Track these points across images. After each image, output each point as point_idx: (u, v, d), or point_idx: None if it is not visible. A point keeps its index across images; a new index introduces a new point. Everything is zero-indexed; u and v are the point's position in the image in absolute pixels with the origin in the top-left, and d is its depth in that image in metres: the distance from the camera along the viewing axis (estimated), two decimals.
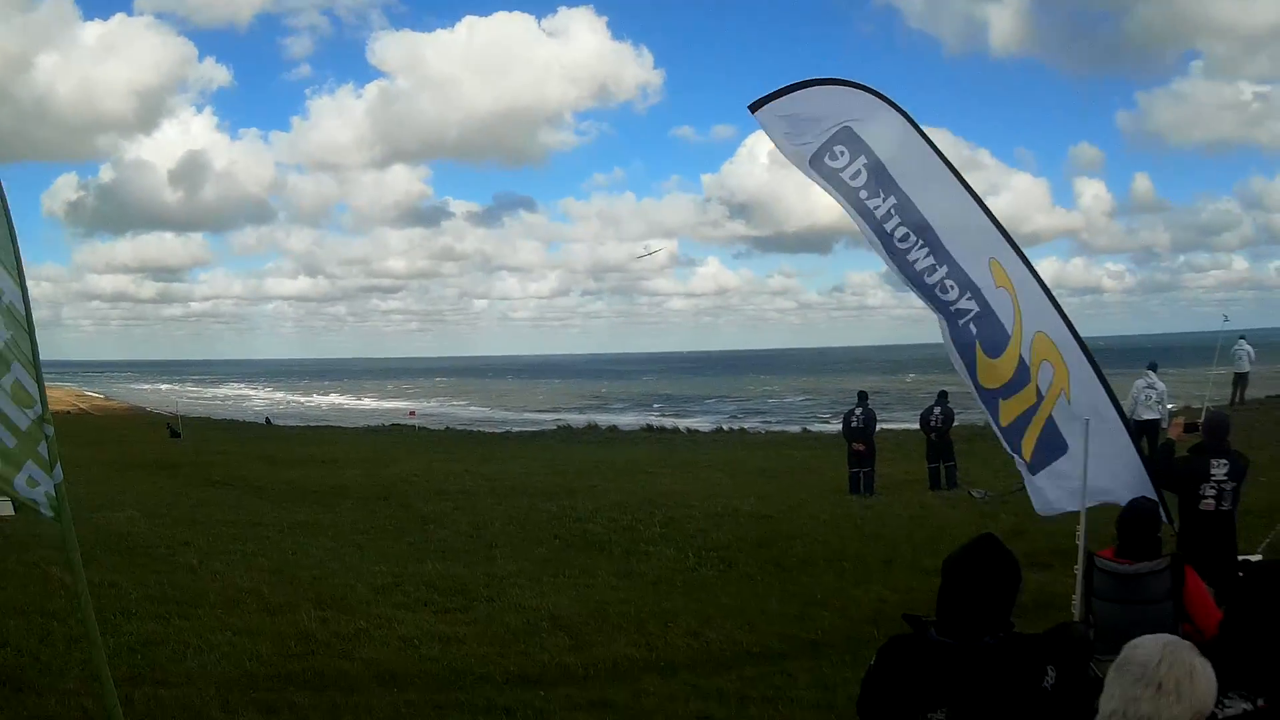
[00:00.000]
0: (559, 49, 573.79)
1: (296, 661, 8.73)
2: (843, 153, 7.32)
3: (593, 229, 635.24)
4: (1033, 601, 9.40)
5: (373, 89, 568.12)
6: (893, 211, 7.33)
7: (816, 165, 7.42)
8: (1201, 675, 2.60)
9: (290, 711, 7.43)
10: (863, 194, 7.35)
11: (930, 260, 7.32)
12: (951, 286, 7.30)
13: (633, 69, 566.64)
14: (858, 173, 7.33)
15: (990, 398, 7.37)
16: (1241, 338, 30.08)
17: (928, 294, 7.40)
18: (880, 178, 7.31)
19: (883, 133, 7.30)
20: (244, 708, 7.44)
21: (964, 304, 7.28)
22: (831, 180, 7.41)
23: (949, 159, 7.30)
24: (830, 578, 12.07)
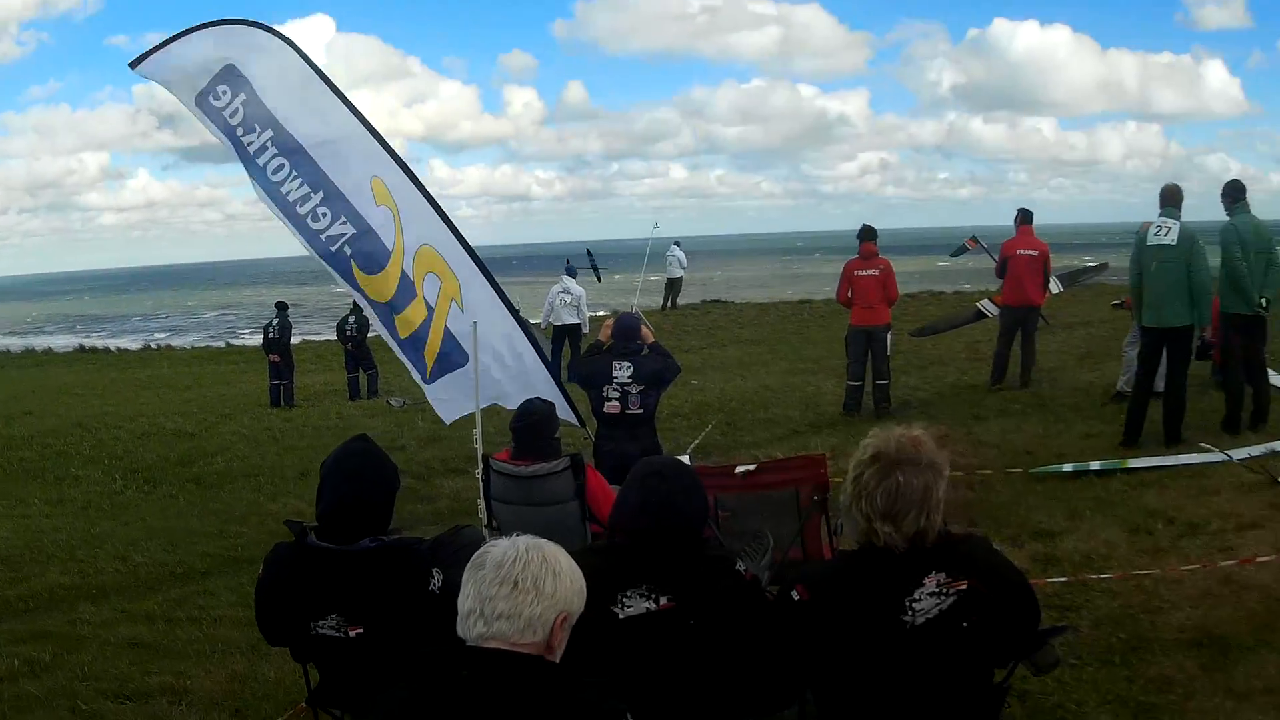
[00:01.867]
0: None
1: None
2: (225, 92, 7.18)
3: (29, 143, 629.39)
4: (449, 508, 10.05)
5: None
6: (269, 144, 7.23)
7: (202, 105, 7.25)
8: (565, 574, 2.55)
9: None
10: (239, 131, 7.23)
11: (304, 189, 7.27)
12: (324, 214, 7.27)
13: None
14: (235, 110, 7.19)
15: (384, 311, 7.43)
16: (676, 243, 30.94)
17: (298, 222, 7.38)
18: (258, 113, 7.20)
19: (265, 67, 7.20)
20: None
21: (336, 229, 7.28)
22: (215, 119, 7.25)
23: (336, 85, 7.26)
24: (248, 492, 12.17)
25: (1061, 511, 7.90)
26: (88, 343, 44.11)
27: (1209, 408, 10.60)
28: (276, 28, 7.25)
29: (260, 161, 7.27)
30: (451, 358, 7.26)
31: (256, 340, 29.86)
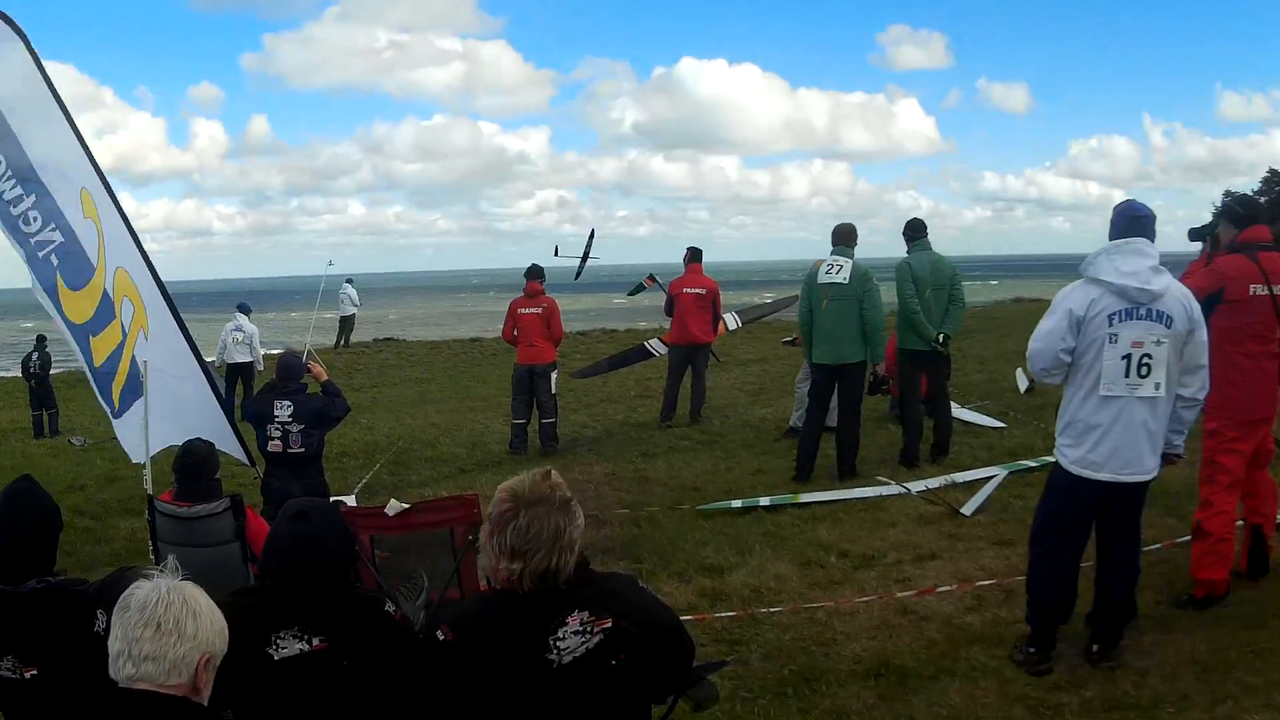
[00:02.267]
0: None
1: None
2: None
3: None
4: (125, 549, 9.52)
5: None
6: None
7: None
8: (205, 615, 2.63)
9: None
10: None
11: (18, 191, 7.19)
12: (35, 218, 7.20)
13: None
14: None
15: (81, 334, 7.39)
16: (348, 281, 31.01)
17: (11, 226, 7.28)
18: None
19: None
20: None
21: (47, 235, 7.22)
22: None
23: (55, 87, 7.14)
24: None
25: (730, 547, 7.78)
26: None
27: (887, 441, 10.80)
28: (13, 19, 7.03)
29: None
30: (134, 388, 7.16)
31: None
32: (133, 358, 7.19)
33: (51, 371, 21.23)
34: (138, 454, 7.38)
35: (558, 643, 2.85)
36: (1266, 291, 5.80)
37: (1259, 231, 5.96)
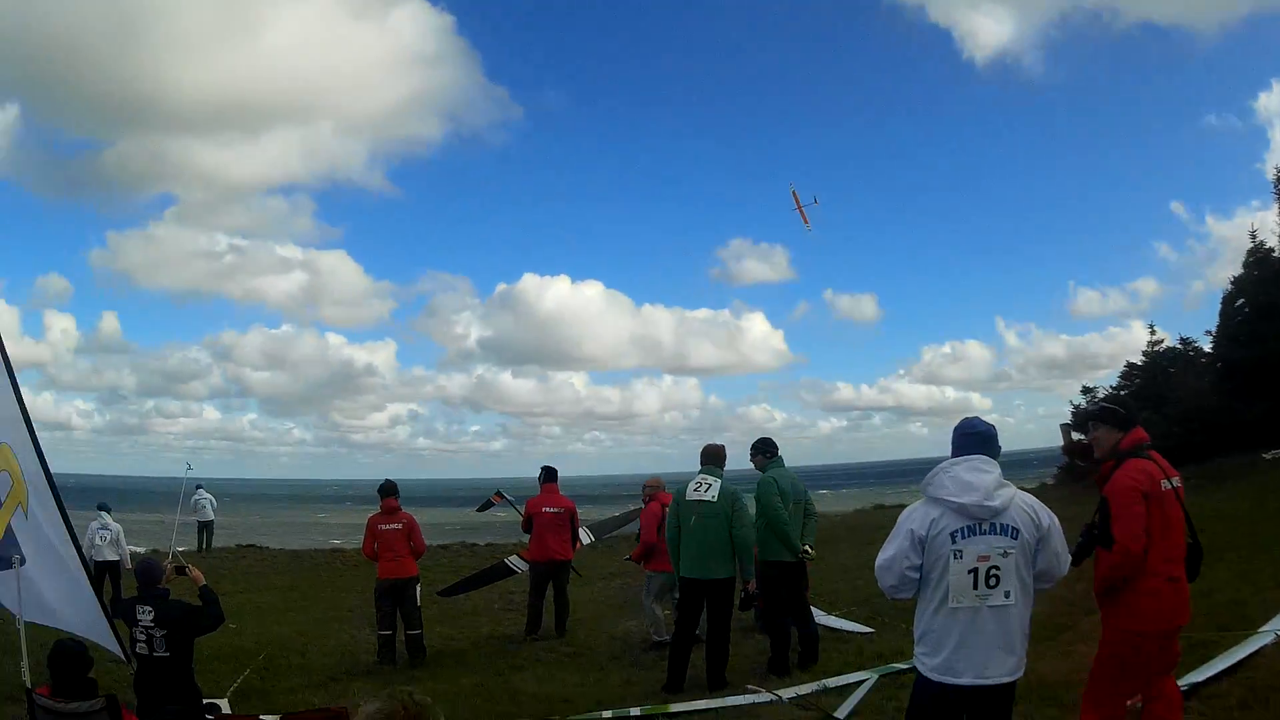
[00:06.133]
0: None
1: None
2: None
3: None
4: None
5: None
6: None
7: None
8: None
9: None
10: None
11: None
12: None
13: None
14: None
15: None
16: (199, 486, 31.07)
17: None
18: None
19: None
20: None
21: None
22: None
23: None
24: None
25: None
26: None
27: (755, 651, 11.04)
28: None
29: None
30: (8, 557, 7.21)
31: None
32: (9, 528, 7.26)
33: None
34: (12, 605, 7.43)
35: None
36: (1170, 486, 6.00)
37: (1141, 434, 6.17)
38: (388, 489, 13.41)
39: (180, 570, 9.53)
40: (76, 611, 7.48)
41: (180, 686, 8.14)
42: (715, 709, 8.97)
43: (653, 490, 13.00)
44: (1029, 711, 6.29)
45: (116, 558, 18.91)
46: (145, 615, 8.09)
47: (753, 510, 10.39)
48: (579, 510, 14.92)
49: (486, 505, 19.00)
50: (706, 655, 10.11)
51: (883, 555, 5.27)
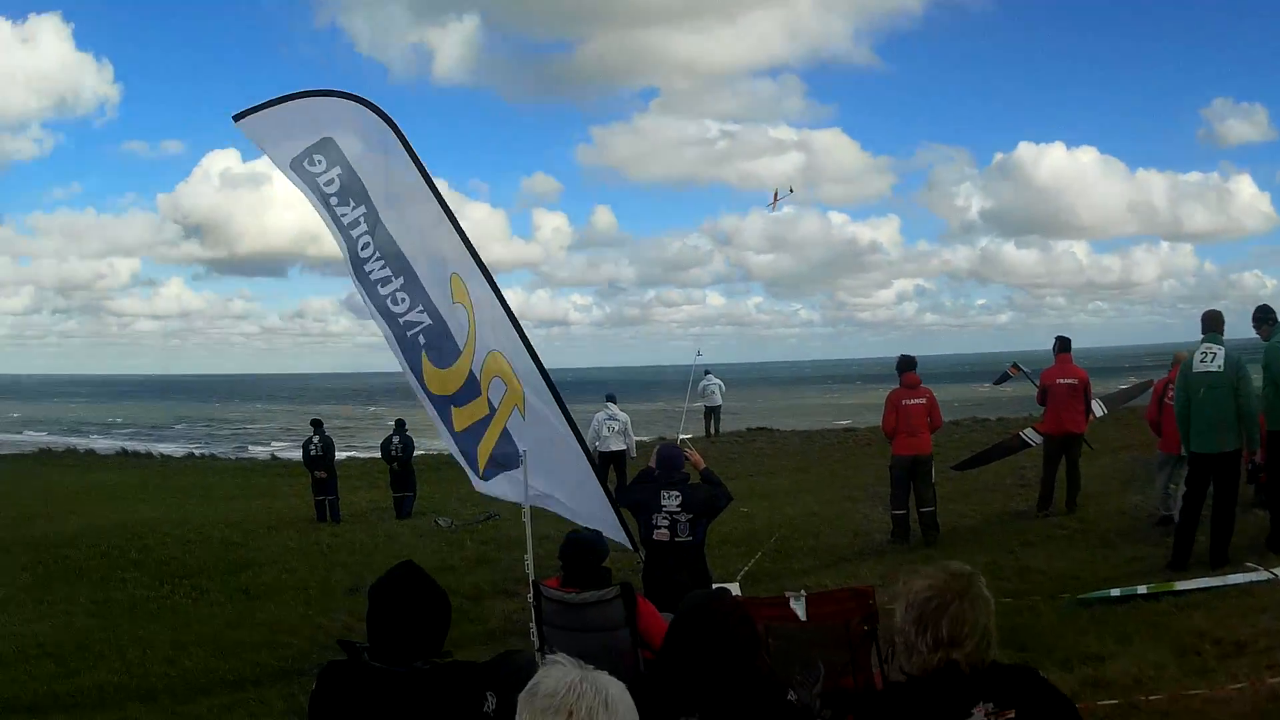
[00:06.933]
0: (23, 55, 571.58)
1: None
2: (320, 160, 7.37)
3: (55, 244, 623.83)
4: (500, 629, 10.04)
5: None
6: (360, 220, 7.44)
7: (297, 169, 7.45)
8: (619, 702, 2.53)
9: None
10: (334, 200, 7.43)
11: (386, 272, 7.45)
12: (403, 299, 7.43)
13: (93, 80, 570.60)
14: (331, 180, 7.40)
15: (442, 404, 7.49)
16: (707, 372, 31.05)
17: (378, 302, 7.52)
18: (353, 188, 7.39)
19: (363, 144, 7.37)
20: None
21: (414, 316, 7.43)
22: (309, 184, 7.46)
23: (427, 172, 7.33)
24: (298, 605, 12.20)
25: (1110, 635, 7.90)
26: (130, 446, 44.53)
27: (1253, 528, 10.56)
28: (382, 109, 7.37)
29: (354, 234, 7.44)
30: (509, 459, 7.23)
31: (295, 454, 30.25)
32: (505, 430, 7.24)
33: (416, 453, 21.86)
34: (508, 497, 7.60)
35: None
36: None
37: None
38: (908, 363, 13.55)
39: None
40: (582, 502, 7.39)
41: (694, 570, 8.17)
42: (1216, 586, 8.73)
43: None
44: None
45: (623, 447, 19.60)
46: (671, 500, 8.17)
47: (1256, 381, 9.81)
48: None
49: (1003, 378, 18.86)
50: (1211, 530, 9.76)
51: None
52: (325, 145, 7.38)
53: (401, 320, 7.44)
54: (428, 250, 7.38)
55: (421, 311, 7.39)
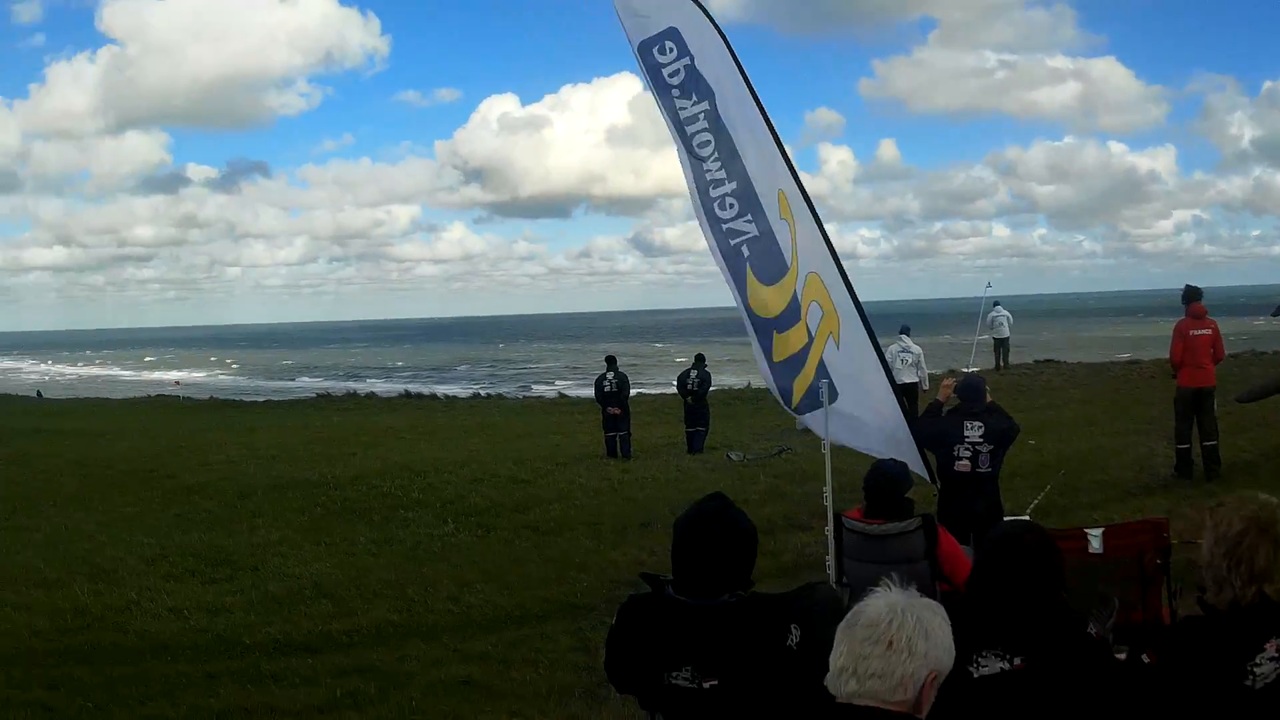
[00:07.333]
0: (285, 14, 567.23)
1: (74, 635, 8.96)
2: (671, 49, 7.34)
3: (329, 195, 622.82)
4: (793, 562, 9.88)
5: (104, 55, 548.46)
6: (700, 117, 7.35)
7: (645, 55, 7.43)
8: (937, 633, 2.59)
9: (71, 685, 7.64)
10: (675, 93, 7.39)
11: (722, 173, 7.34)
12: (732, 204, 7.34)
13: (359, 34, 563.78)
14: (676, 71, 7.36)
15: (765, 328, 7.40)
16: (996, 304, 30.75)
17: (707, 205, 7.45)
18: (697, 83, 7.32)
19: (705, 45, 7.32)
20: (28, 683, 7.68)
21: (741, 225, 7.34)
22: (653, 73, 7.46)
23: (758, 97, 7.26)
24: (587, 540, 12.21)
25: None
26: (413, 388, 45.90)
27: None
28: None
29: (689, 130, 7.38)
30: (818, 395, 7.13)
31: (582, 392, 31.03)
32: (821, 362, 7.14)
33: (710, 389, 21.78)
34: (832, 437, 7.33)
35: (1255, 668, 2.84)
36: None
37: None
38: (1194, 293, 13.08)
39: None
40: (885, 434, 7.26)
41: (989, 503, 8.15)
42: None
43: None
44: None
45: (916, 379, 19.51)
46: (974, 431, 8.18)
47: None
48: None
49: None
50: None
51: None
52: (672, 34, 7.34)
53: (725, 227, 7.37)
54: (758, 160, 7.27)
55: (749, 221, 7.28)
